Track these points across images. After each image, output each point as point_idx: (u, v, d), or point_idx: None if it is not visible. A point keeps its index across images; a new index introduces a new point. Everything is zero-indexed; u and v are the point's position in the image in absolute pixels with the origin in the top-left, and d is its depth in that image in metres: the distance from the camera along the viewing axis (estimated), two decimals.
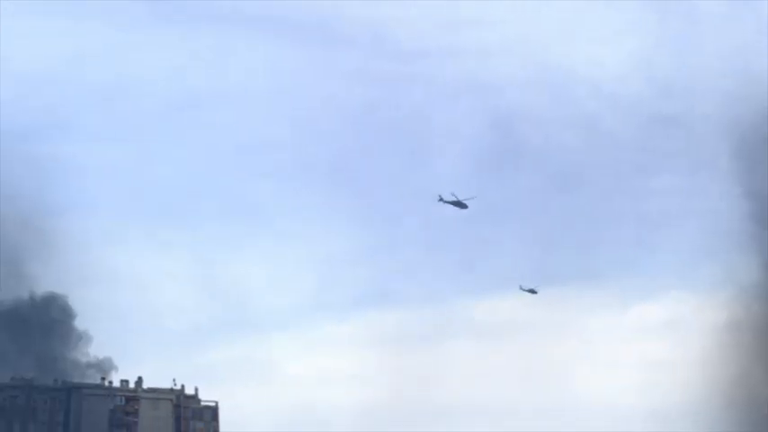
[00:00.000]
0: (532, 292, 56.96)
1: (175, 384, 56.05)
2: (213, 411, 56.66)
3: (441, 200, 52.74)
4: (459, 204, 52.62)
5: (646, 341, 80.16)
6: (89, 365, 58.06)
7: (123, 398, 54.03)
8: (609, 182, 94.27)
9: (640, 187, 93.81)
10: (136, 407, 54.02)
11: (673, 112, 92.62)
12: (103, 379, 55.76)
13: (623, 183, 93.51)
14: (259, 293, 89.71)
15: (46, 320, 57.61)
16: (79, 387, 54.05)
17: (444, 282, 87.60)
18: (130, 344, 67.68)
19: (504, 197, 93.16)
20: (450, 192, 52.13)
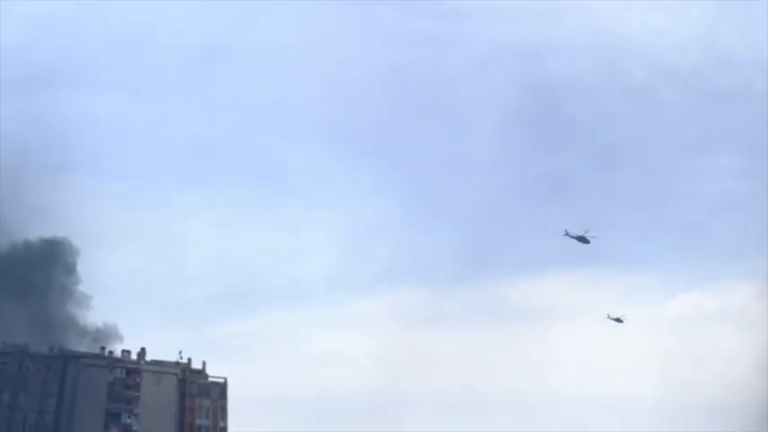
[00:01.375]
0: (619, 321, 57.03)
1: (181, 357, 54.36)
2: (221, 388, 54.57)
3: (566, 234, 55.85)
4: (582, 239, 56.08)
5: (686, 335, 77.37)
6: (87, 332, 55.94)
7: (124, 370, 51.91)
8: (658, 160, 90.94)
9: (692, 166, 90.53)
10: (137, 380, 51.96)
11: (732, 86, 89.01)
12: (103, 348, 53.49)
13: (674, 161, 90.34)
14: (277, 265, 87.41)
15: (43, 276, 55.28)
16: (77, 356, 51.80)
17: (478, 261, 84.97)
18: (135, 311, 65.42)
19: (544, 173, 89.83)
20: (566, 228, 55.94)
